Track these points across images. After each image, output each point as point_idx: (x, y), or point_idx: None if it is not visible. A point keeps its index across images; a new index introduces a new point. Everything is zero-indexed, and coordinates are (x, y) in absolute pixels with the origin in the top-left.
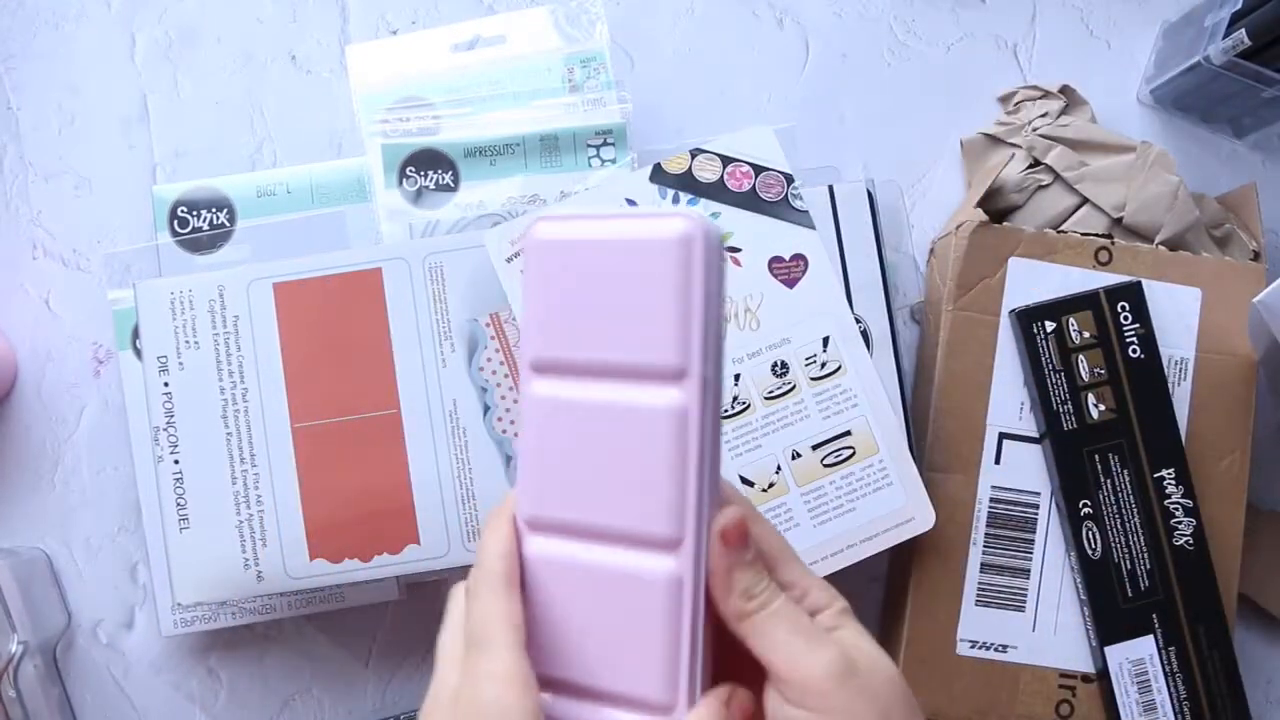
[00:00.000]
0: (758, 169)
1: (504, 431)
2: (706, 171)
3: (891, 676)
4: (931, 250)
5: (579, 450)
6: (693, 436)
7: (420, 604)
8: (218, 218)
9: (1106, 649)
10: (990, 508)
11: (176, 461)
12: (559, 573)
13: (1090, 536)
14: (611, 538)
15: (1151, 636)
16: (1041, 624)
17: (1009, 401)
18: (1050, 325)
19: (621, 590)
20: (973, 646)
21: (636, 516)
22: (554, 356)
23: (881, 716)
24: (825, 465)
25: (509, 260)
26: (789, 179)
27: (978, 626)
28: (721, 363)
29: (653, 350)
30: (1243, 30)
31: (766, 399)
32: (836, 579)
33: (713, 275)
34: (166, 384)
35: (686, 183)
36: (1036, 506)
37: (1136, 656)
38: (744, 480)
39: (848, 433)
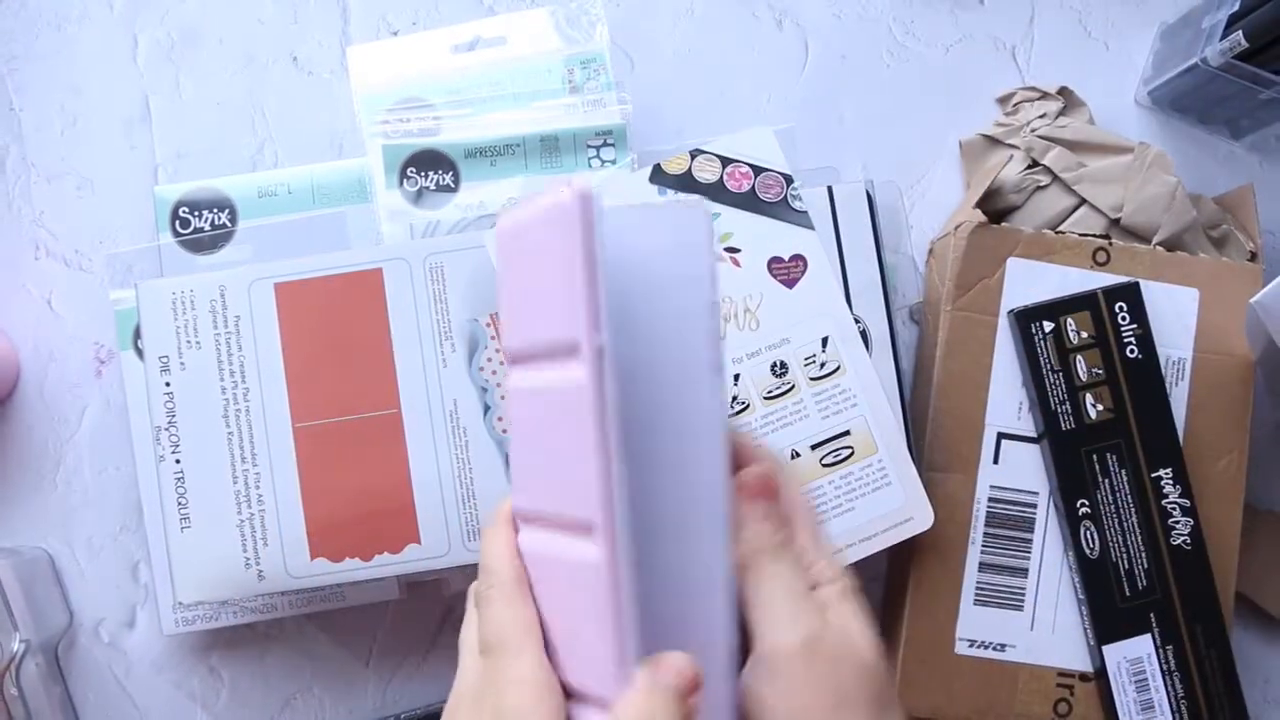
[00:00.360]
0: (757, 169)
1: (504, 431)
2: (706, 172)
3: (862, 663)
4: (930, 251)
5: (532, 437)
6: (589, 412)
7: (421, 603)
8: (219, 218)
9: (1104, 648)
10: (989, 507)
11: (178, 461)
12: (536, 564)
13: (1088, 536)
14: (561, 525)
15: (1149, 636)
16: (1040, 623)
17: (1007, 401)
18: (1048, 325)
19: (574, 580)
20: (971, 646)
21: (567, 500)
22: (512, 345)
23: (836, 697)
24: (824, 465)
25: None
26: (788, 180)
27: (976, 626)
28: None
29: (554, 326)
30: (1240, 32)
31: (766, 399)
32: None
33: (592, 241)
34: (168, 384)
35: (686, 183)
36: (1035, 506)
37: (1134, 656)
38: None
39: (847, 433)
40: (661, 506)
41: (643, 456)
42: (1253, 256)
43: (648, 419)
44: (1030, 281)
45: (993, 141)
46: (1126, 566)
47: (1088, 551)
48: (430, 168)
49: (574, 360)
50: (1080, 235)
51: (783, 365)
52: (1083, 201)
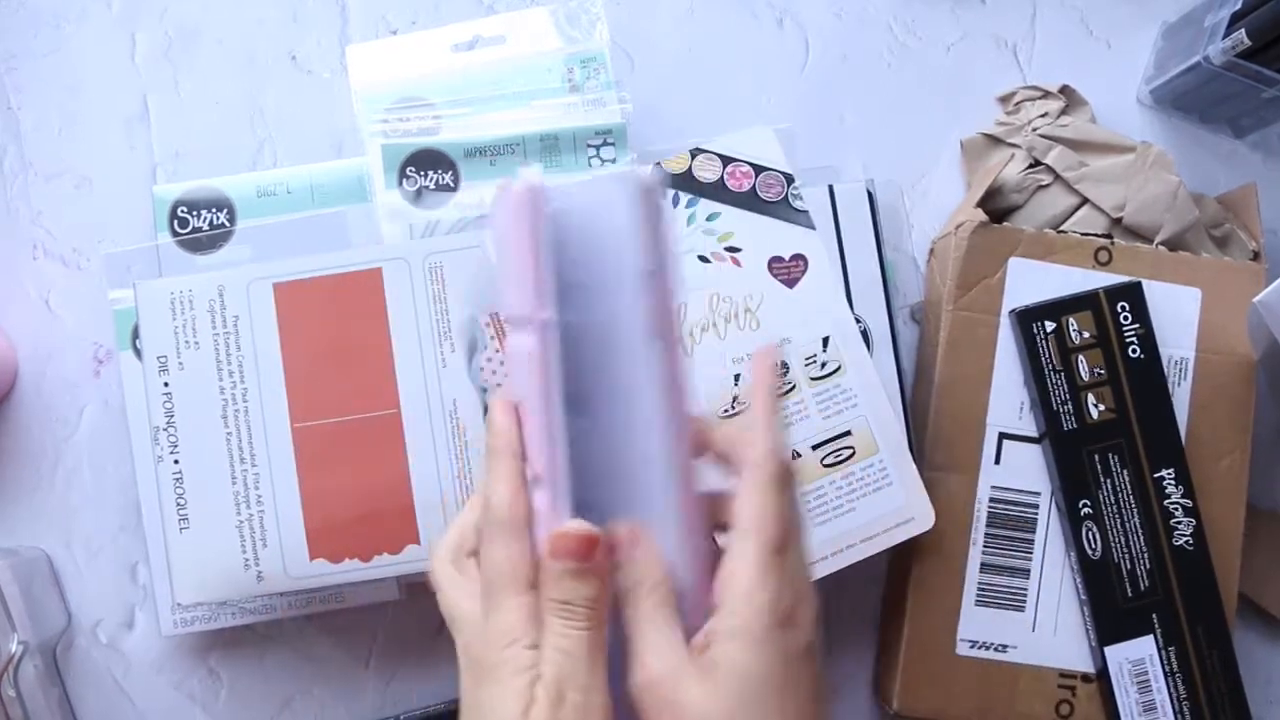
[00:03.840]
0: (758, 169)
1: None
2: (706, 171)
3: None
4: (931, 250)
5: (519, 397)
6: (537, 376)
7: (421, 604)
8: (218, 218)
9: (1106, 649)
10: (990, 507)
11: (176, 461)
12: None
13: (1090, 536)
14: (538, 481)
15: (1151, 636)
16: (1041, 624)
17: (1009, 401)
18: (1050, 325)
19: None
20: (973, 646)
21: (533, 453)
22: (502, 313)
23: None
24: (825, 465)
25: None
26: (789, 179)
27: (977, 626)
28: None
29: (513, 301)
30: (1242, 30)
31: None
32: (836, 579)
33: (540, 227)
34: (166, 384)
35: (686, 182)
36: (1036, 506)
37: (1136, 656)
38: None
39: (848, 433)
40: (610, 463)
41: (596, 417)
42: (1255, 256)
43: (597, 382)
44: (1032, 281)
45: (994, 140)
46: (1128, 567)
47: (1089, 552)
48: (430, 167)
49: (524, 331)
50: (1082, 235)
51: (784, 365)
52: (1084, 201)
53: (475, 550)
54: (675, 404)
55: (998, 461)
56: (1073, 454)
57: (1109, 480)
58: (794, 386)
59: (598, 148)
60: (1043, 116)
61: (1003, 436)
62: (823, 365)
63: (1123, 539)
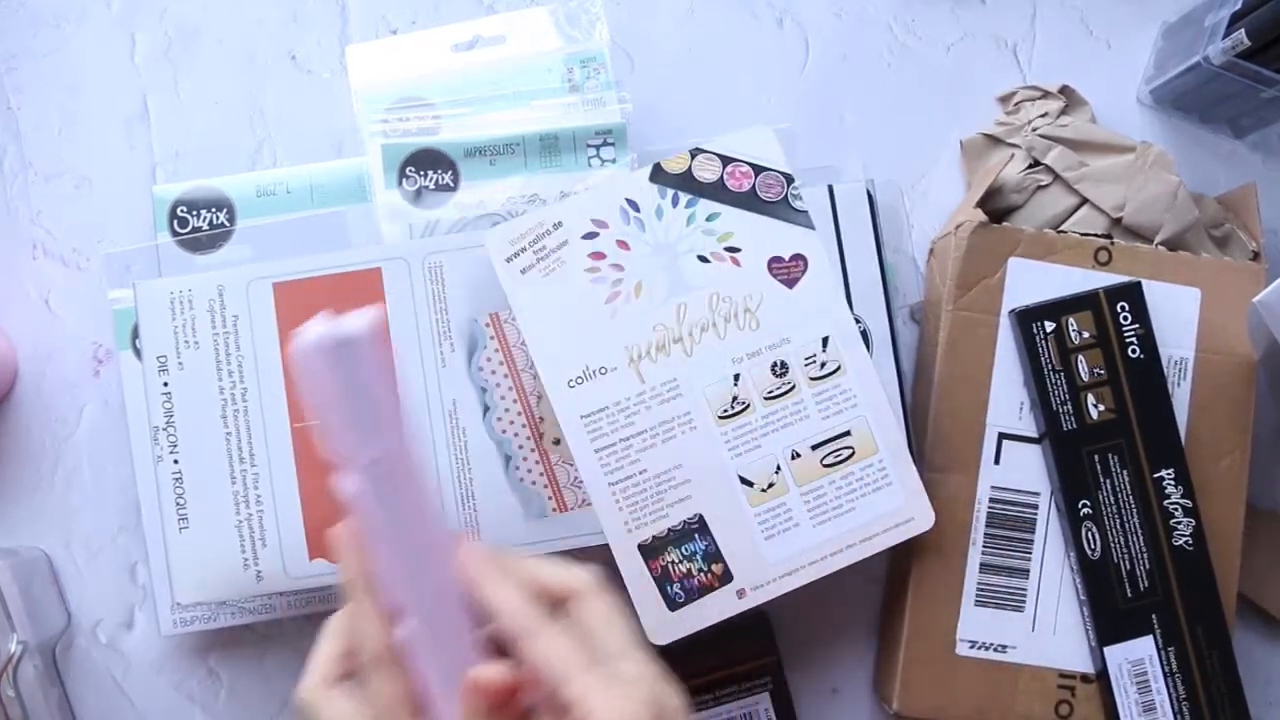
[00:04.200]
0: (757, 169)
1: (504, 431)
2: (706, 171)
3: None
4: (931, 250)
5: (361, 532)
6: (374, 514)
7: None
8: (217, 218)
9: (1106, 649)
10: (990, 508)
11: (176, 461)
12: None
13: (1090, 537)
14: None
15: (1151, 637)
16: (1041, 624)
17: (1008, 401)
18: (1050, 325)
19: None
20: (972, 647)
21: (388, 586)
22: (332, 450)
23: None
24: (825, 465)
25: (509, 260)
26: (789, 179)
27: (977, 626)
28: (390, 439)
29: (337, 442)
30: (1242, 30)
31: (766, 399)
32: (836, 579)
33: (324, 372)
34: (166, 384)
35: (686, 182)
36: (1036, 507)
37: (1136, 657)
38: (744, 480)
39: (847, 433)
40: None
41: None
42: (1255, 256)
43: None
44: (1031, 281)
45: (994, 140)
46: (1128, 567)
47: (1089, 552)
48: (429, 167)
49: (349, 472)
50: (1082, 235)
51: (783, 365)
52: (1084, 201)
53: (344, 676)
54: (407, 547)
55: (997, 461)
56: (1072, 454)
57: (1109, 480)
58: (794, 386)
59: (598, 148)
60: (1043, 116)
61: (1002, 436)
62: (822, 365)
63: (1122, 539)
